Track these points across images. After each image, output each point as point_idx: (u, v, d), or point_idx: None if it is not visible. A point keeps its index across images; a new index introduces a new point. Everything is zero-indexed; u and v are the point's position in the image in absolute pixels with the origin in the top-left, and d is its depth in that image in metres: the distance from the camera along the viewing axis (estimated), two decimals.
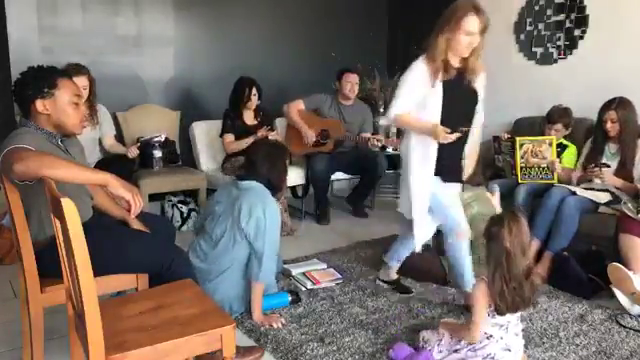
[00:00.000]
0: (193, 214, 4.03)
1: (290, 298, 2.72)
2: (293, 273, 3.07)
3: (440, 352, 2.12)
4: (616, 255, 2.81)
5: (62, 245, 1.55)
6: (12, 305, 2.63)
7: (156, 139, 3.95)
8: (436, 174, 2.52)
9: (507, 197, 3.32)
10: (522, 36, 4.35)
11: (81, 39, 4.05)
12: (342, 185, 5.08)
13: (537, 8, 4.24)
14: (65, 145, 2.07)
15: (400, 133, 4.44)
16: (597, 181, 3.19)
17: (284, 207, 3.93)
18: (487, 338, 2.03)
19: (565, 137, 3.58)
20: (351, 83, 4.26)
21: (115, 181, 1.79)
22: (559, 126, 3.54)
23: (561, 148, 3.49)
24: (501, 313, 1.98)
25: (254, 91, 4.04)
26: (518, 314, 2.04)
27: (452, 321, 2.33)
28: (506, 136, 3.60)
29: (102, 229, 2.03)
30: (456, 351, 2.09)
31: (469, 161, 2.68)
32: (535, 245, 3.06)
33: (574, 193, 3.14)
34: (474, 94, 2.55)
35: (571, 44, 4.04)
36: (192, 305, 1.76)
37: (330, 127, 4.24)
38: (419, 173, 2.53)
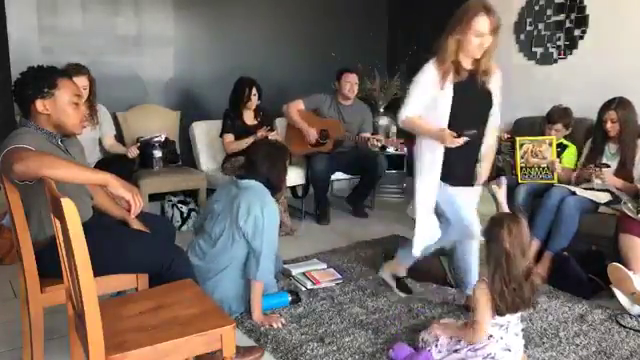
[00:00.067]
0: (193, 214, 4.02)
1: (290, 298, 2.72)
2: (293, 273, 3.07)
3: (439, 352, 2.12)
4: (616, 255, 2.81)
5: (62, 245, 1.55)
6: (12, 305, 2.63)
7: (156, 139, 3.95)
8: (442, 178, 2.48)
9: (507, 197, 3.31)
10: (522, 36, 4.35)
11: (81, 39, 4.04)
12: (342, 185, 5.07)
13: (537, 8, 4.24)
14: (65, 145, 2.07)
15: (400, 133, 4.45)
16: (597, 181, 3.18)
17: (284, 207, 3.93)
18: (487, 338, 2.02)
19: (565, 137, 3.58)
20: (350, 83, 4.25)
21: (115, 181, 1.79)
22: (559, 126, 3.54)
23: (561, 148, 3.49)
24: (501, 313, 1.98)
25: (254, 91, 4.03)
26: (518, 314, 2.04)
27: (448, 321, 2.33)
28: (506, 136, 3.60)
29: (102, 229, 2.03)
30: (456, 351, 2.08)
31: (485, 164, 2.60)
32: (535, 245, 3.06)
33: (574, 193, 3.14)
34: (489, 96, 2.50)
35: (571, 44, 4.04)
36: (192, 305, 1.76)
37: (330, 127, 4.23)
38: (426, 177, 2.51)
